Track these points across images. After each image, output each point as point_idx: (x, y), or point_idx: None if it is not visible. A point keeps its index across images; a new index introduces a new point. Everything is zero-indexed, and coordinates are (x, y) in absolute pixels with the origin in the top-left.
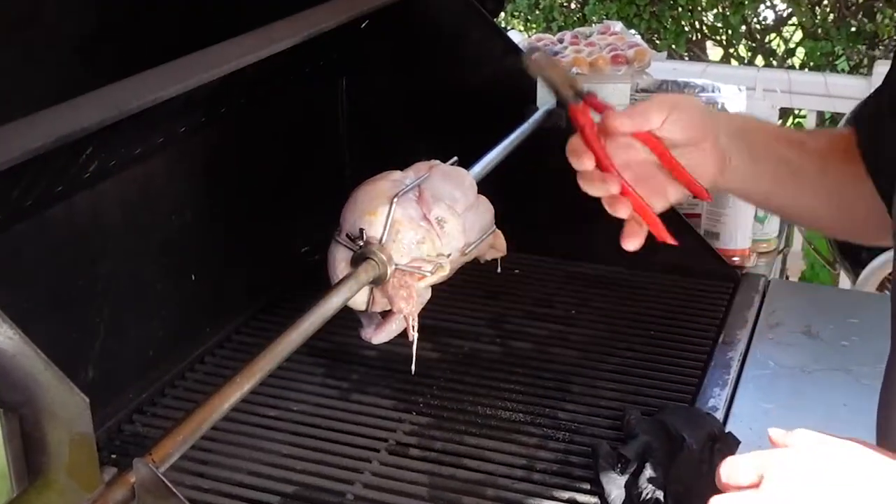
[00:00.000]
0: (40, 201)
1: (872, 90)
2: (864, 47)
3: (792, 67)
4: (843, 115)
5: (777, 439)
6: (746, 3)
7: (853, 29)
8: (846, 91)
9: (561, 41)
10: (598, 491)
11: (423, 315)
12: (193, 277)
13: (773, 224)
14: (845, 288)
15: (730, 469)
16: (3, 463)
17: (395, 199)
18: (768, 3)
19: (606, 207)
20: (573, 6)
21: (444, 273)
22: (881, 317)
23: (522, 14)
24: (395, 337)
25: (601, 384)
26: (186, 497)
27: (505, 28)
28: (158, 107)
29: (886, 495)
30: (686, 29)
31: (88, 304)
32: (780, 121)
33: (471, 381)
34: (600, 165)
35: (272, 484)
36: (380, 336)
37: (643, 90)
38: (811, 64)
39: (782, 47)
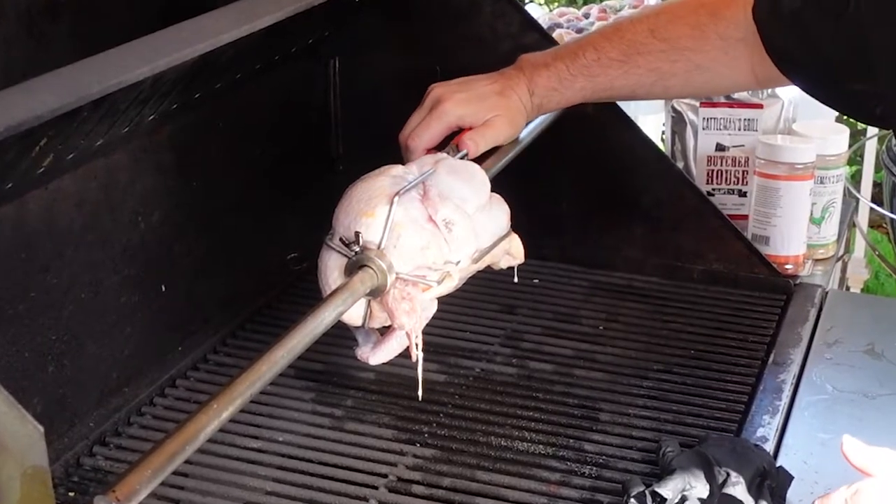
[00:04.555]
0: None
1: None
2: None
3: None
4: None
5: (858, 463)
6: None
7: None
8: None
9: (587, 16)
10: None
11: (427, 331)
12: (163, 288)
13: (831, 227)
14: None
15: None
16: None
17: (396, 198)
18: None
19: None
20: None
21: (452, 283)
22: None
23: None
24: (396, 357)
25: (633, 411)
26: None
27: (522, 1)
28: (123, 91)
29: None
30: None
31: (41, 320)
32: None
33: (483, 407)
34: None
35: None
36: (378, 355)
37: None
38: None
39: None
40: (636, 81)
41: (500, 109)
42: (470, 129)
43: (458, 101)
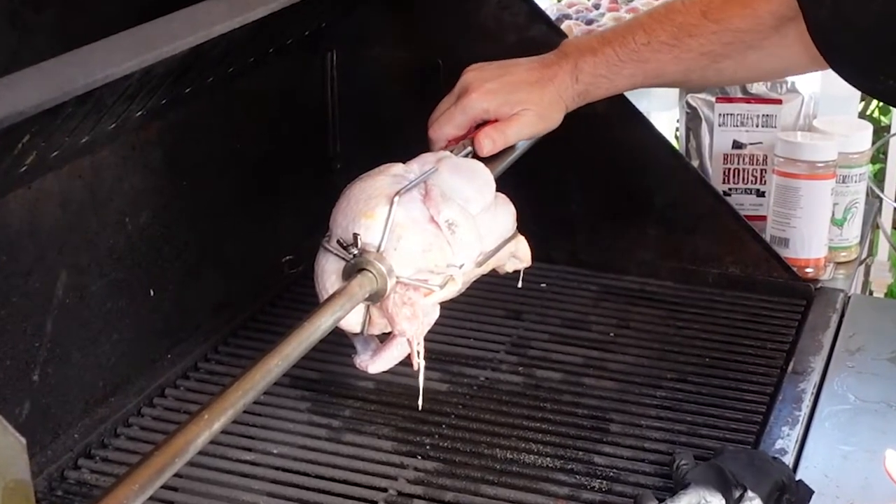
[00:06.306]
0: None
1: None
2: None
3: None
4: None
5: None
6: None
7: None
8: None
9: (597, 7)
10: None
11: (429, 338)
12: (151, 293)
13: (853, 228)
14: None
15: None
16: None
17: (396, 198)
18: None
19: None
20: None
21: (455, 287)
22: None
23: None
24: (397, 365)
25: (646, 422)
26: None
27: None
28: (109, 86)
29: None
30: None
31: (24, 326)
32: (862, 103)
33: (488, 418)
34: None
35: None
36: (378, 364)
37: None
38: None
39: None
40: (688, 66)
41: (530, 103)
42: (495, 121)
43: (486, 93)
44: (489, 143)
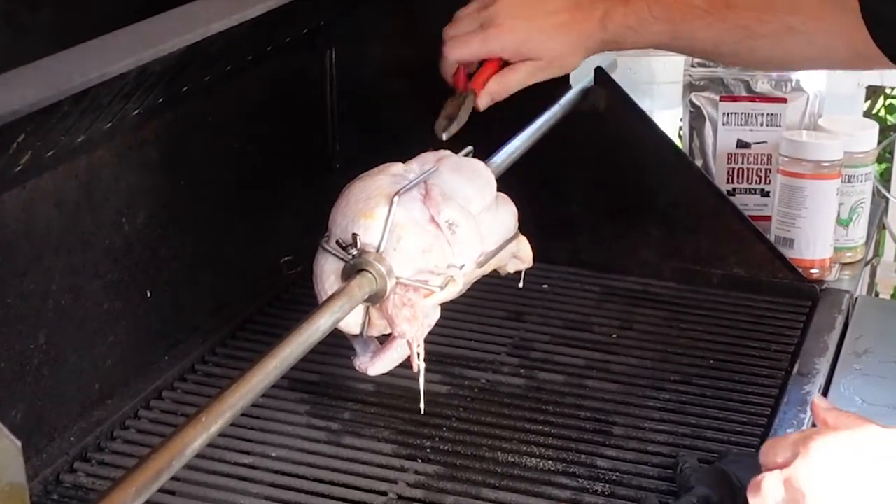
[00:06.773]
0: None
1: None
2: None
3: None
4: None
5: (821, 416)
6: None
7: None
8: None
9: None
10: None
11: (430, 340)
12: (148, 294)
13: (859, 229)
14: None
15: (768, 448)
16: None
17: (396, 198)
18: None
19: None
20: None
21: (455, 288)
22: None
23: None
24: (397, 367)
25: (649, 425)
26: None
27: None
28: (106, 84)
29: None
30: None
31: (19, 328)
32: (868, 102)
33: (489, 420)
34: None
35: None
36: (378, 366)
37: (700, 65)
38: None
39: None
40: (718, 36)
41: (544, 51)
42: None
43: (508, 30)
44: (487, 98)
